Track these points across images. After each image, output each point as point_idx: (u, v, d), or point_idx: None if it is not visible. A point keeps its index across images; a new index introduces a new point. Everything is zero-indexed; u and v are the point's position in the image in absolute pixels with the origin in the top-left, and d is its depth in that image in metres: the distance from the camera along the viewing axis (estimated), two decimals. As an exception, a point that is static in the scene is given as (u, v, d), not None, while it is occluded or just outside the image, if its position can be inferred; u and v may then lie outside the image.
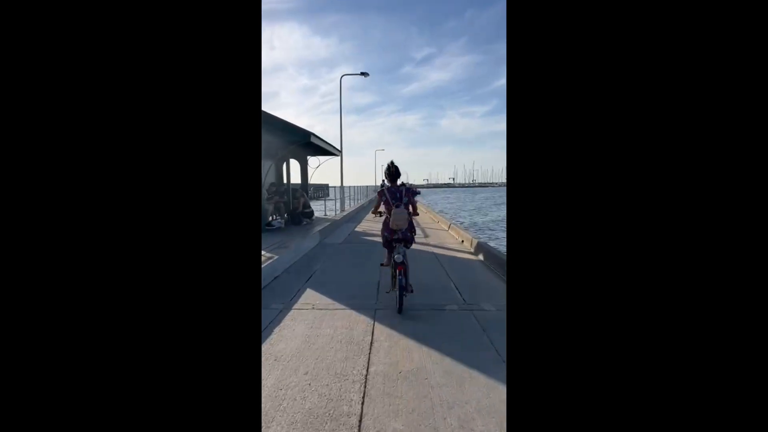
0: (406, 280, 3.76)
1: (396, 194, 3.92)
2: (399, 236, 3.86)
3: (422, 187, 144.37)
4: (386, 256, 4.19)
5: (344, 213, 14.12)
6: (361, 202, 21.56)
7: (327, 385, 2.30)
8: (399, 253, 3.73)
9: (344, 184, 16.79)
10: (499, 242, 11.67)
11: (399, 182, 4.05)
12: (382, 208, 4.02)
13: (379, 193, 4.04)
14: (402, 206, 3.86)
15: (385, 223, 4.00)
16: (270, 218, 8.97)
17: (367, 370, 2.48)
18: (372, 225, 10.48)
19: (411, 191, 4.00)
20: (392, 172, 3.98)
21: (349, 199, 18.02)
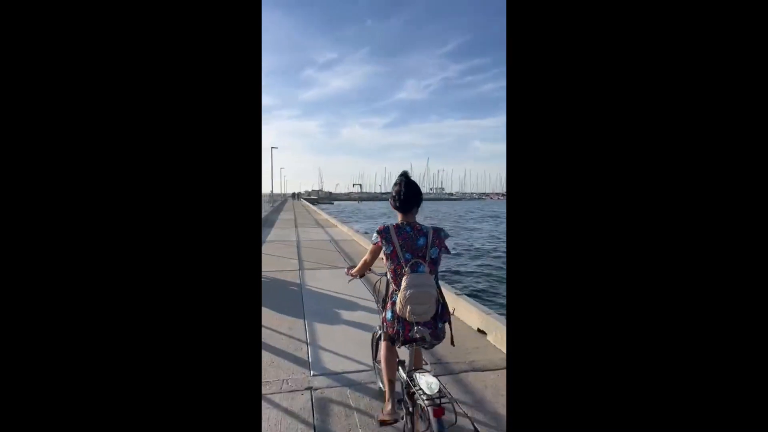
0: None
1: (416, 241, 1.81)
2: (421, 333, 1.74)
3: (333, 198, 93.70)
4: (386, 389, 1.94)
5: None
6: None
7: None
8: (430, 383, 1.59)
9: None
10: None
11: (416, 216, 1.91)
12: (380, 267, 1.91)
13: (379, 233, 1.85)
14: (425, 267, 1.77)
15: (388, 301, 1.90)
16: None
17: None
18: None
19: (440, 235, 1.86)
20: (409, 191, 1.87)
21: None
